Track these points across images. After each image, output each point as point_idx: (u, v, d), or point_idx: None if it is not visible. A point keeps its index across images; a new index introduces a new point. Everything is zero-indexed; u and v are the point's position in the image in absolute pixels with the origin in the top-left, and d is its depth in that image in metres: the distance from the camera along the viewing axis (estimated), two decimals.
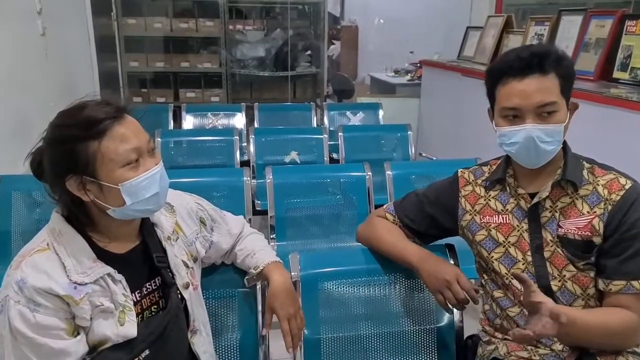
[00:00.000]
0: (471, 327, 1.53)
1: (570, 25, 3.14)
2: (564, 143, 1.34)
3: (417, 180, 2.39)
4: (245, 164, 3.14)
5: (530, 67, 1.22)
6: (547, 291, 1.31)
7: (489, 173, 1.44)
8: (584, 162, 1.33)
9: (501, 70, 1.27)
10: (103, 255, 1.10)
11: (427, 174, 2.37)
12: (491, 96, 1.32)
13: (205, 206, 1.36)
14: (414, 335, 1.50)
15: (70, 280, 1.04)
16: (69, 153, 1.03)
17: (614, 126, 2.51)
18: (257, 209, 2.75)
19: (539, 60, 1.21)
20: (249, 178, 2.31)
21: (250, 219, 2.29)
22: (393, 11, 6.36)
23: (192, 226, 1.30)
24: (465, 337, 1.51)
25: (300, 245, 2.32)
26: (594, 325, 1.21)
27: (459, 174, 1.49)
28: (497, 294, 1.40)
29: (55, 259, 1.05)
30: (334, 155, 3.41)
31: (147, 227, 1.20)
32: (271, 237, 2.31)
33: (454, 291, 1.28)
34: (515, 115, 1.26)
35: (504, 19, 3.81)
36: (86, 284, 1.05)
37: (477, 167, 1.49)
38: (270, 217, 2.33)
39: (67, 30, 3.71)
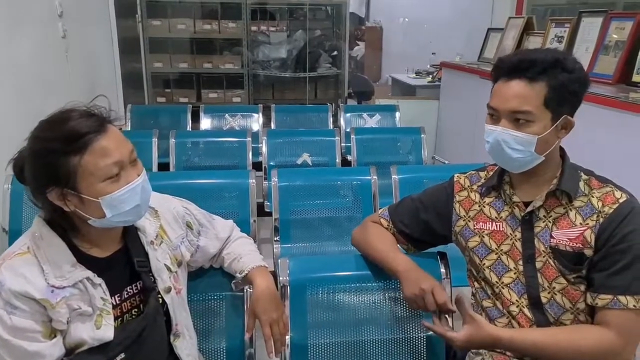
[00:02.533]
0: None
1: (590, 27, 3.06)
2: (563, 153, 1.32)
3: (425, 184, 2.35)
4: (258, 165, 3.17)
5: (517, 72, 1.20)
6: (537, 302, 1.29)
7: (485, 179, 1.42)
8: (582, 174, 1.30)
9: (496, 69, 1.27)
10: (84, 259, 1.12)
11: (435, 178, 2.32)
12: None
13: (193, 210, 1.38)
14: (403, 343, 1.48)
15: (48, 283, 1.06)
16: (49, 166, 1.05)
17: (632, 132, 2.44)
18: (267, 210, 2.77)
19: (527, 66, 1.19)
20: (254, 180, 2.32)
21: (254, 220, 2.29)
22: (417, 12, 6.31)
23: (177, 230, 1.31)
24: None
25: (303, 248, 2.32)
26: (555, 346, 1.19)
27: (455, 179, 1.48)
28: (487, 303, 1.38)
29: (34, 263, 1.07)
30: (349, 157, 3.40)
31: (130, 232, 1.22)
32: (275, 239, 2.32)
33: (426, 301, 1.27)
34: (495, 115, 1.25)
35: (524, 20, 3.73)
36: (64, 287, 1.07)
37: (474, 172, 1.47)
38: (275, 219, 2.34)
39: (89, 32, 3.79)
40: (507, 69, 1.22)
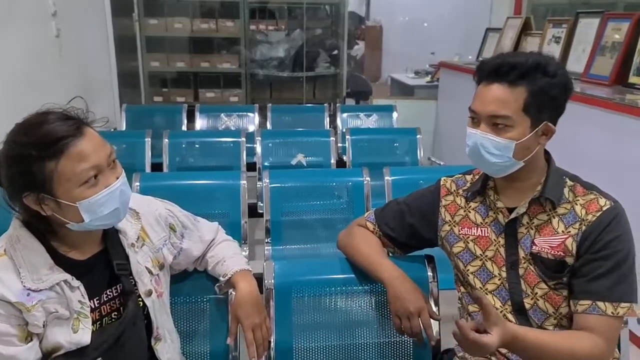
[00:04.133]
0: (448, 341, 1.48)
1: (587, 28, 3.04)
2: (548, 157, 1.30)
3: (419, 186, 2.32)
4: (253, 165, 3.15)
5: (497, 75, 1.18)
6: (520, 309, 1.28)
7: (471, 183, 1.40)
8: (567, 180, 1.27)
9: (478, 72, 1.25)
10: (62, 262, 1.11)
11: (428, 180, 2.30)
12: None
13: (176, 212, 1.36)
14: (390, 347, 1.47)
15: (24, 286, 1.04)
16: (25, 172, 1.03)
17: (628, 134, 2.42)
18: (260, 211, 2.75)
19: (507, 70, 1.17)
20: (245, 181, 2.31)
21: (245, 222, 2.28)
22: (417, 11, 6.30)
23: (159, 232, 1.29)
24: (441, 350, 1.47)
25: (295, 249, 2.31)
26: (555, 348, 1.16)
27: (441, 183, 1.46)
28: (472, 308, 1.37)
29: (10, 265, 1.06)
30: (345, 158, 3.37)
31: (110, 234, 1.20)
32: (266, 240, 2.31)
33: (412, 324, 1.26)
34: (475, 119, 1.24)
35: (523, 20, 3.71)
36: (40, 290, 1.06)
37: (460, 175, 1.45)
38: (266, 220, 2.32)
39: (83, 31, 3.79)
40: (487, 72, 1.21)
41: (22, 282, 1.05)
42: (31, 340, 1.07)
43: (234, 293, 1.35)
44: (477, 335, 1.08)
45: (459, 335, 1.09)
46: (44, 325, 1.07)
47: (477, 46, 4.46)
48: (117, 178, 1.11)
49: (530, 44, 3.63)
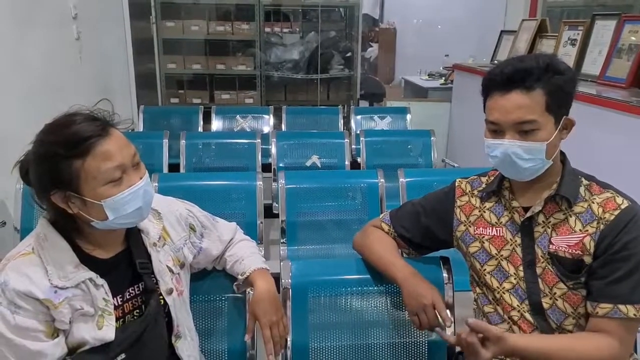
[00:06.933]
0: None
1: (604, 30, 3.03)
2: (563, 157, 1.31)
3: (433, 188, 2.33)
4: (268, 166, 3.18)
5: (513, 83, 1.19)
6: (538, 308, 1.29)
7: (486, 184, 1.41)
8: (583, 179, 1.28)
9: (488, 83, 1.25)
10: (87, 260, 1.14)
11: (442, 182, 2.31)
12: (484, 106, 1.30)
13: (196, 213, 1.39)
14: (405, 348, 1.48)
15: (52, 284, 1.08)
16: (53, 170, 1.07)
17: None
18: (275, 212, 2.77)
19: (522, 76, 1.18)
20: (261, 182, 2.34)
21: (261, 222, 2.31)
22: (431, 14, 6.31)
23: (180, 232, 1.33)
24: (456, 351, 1.49)
25: (310, 250, 2.33)
26: (565, 355, 1.18)
27: (456, 184, 1.47)
28: (488, 309, 1.38)
29: (38, 263, 1.09)
30: (359, 160, 3.39)
31: (133, 234, 1.23)
32: (282, 241, 2.33)
33: (428, 316, 1.27)
34: (496, 130, 1.24)
35: (538, 22, 3.70)
36: (67, 288, 1.09)
37: (475, 177, 1.46)
38: (282, 220, 2.34)
39: (103, 34, 3.85)
40: (502, 81, 1.20)
41: (49, 279, 1.08)
42: (57, 336, 1.10)
43: (251, 292, 1.37)
44: (477, 342, 1.14)
45: (465, 333, 1.14)
46: (69, 322, 1.10)
47: (491, 48, 4.45)
48: (141, 178, 1.14)
49: (546, 47, 3.62)
